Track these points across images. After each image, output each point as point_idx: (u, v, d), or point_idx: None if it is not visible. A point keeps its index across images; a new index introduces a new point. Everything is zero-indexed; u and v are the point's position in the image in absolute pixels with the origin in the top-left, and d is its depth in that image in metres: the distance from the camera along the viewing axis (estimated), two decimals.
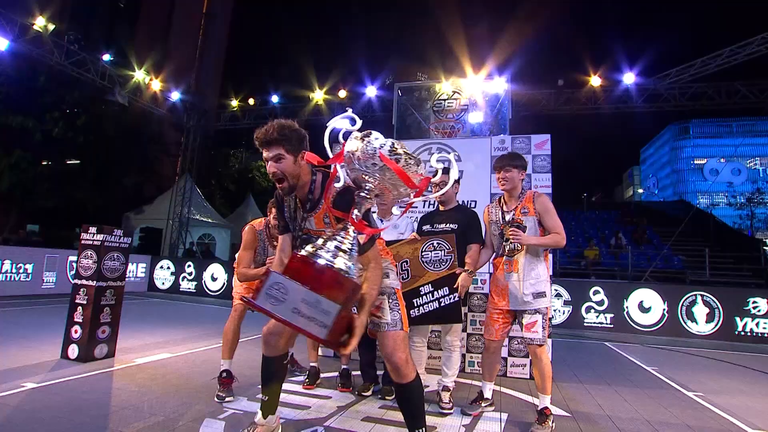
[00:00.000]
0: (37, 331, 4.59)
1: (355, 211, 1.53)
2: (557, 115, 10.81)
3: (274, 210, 3.10)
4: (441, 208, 3.18)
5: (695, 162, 49.51)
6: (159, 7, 27.59)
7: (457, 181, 3.19)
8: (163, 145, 21.22)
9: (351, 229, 1.50)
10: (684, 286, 8.48)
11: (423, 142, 4.32)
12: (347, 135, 1.55)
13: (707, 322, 6.67)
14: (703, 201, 42.10)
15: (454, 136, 5.01)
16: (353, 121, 1.58)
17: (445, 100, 5.32)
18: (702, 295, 6.78)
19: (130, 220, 16.12)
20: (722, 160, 47.05)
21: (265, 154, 1.67)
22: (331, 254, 1.41)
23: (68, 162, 18.96)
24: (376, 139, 1.47)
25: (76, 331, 3.43)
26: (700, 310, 6.72)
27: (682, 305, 6.81)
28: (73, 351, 3.40)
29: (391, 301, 1.82)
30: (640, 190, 58.54)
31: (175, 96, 12.66)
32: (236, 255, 3.12)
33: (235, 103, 13.46)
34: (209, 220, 16.39)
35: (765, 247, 15.46)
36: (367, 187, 1.50)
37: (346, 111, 1.64)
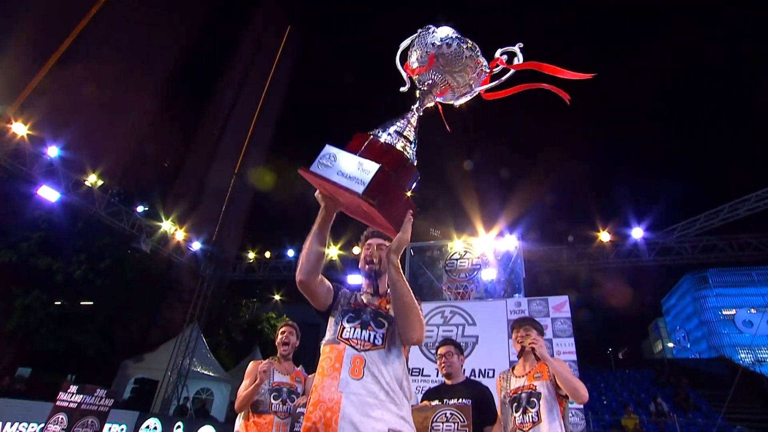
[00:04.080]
0: None
1: (417, 105, 1.63)
2: (570, 271, 10.78)
3: (285, 329, 3.23)
4: (447, 382, 2.87)
5: (723, 313, 47.06)
6: (197, 167, 31.34)
7: (461, 352, 2.94)
8: (177, 291, 21.46)
9: (413, 117, 1.60)
10: None
11: (436, 304, 4.18)
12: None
13: None
14: (745, 357, 38.51)
15: (468, 297, 4.87)
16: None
17: (457, 259, 5.36)
18: None
19: (127, 369, 15.27)
20: (753, 311, 44.71)
21: (370, 240, 1.91)
22: (389, 134, 1.52)
23: (81, 303, 19.04)
24: (433, 33, 1.61)
25: None
26: None
27: None
28: None
29: None
30: (670, 345, 54.54)
31: (196, 246, 13.27)
32: (235, 409, 3.01)
33: (251, 255, 13.99)
34: (210, 373, 15.42)
35: None
36: (427, 81, 1.61)
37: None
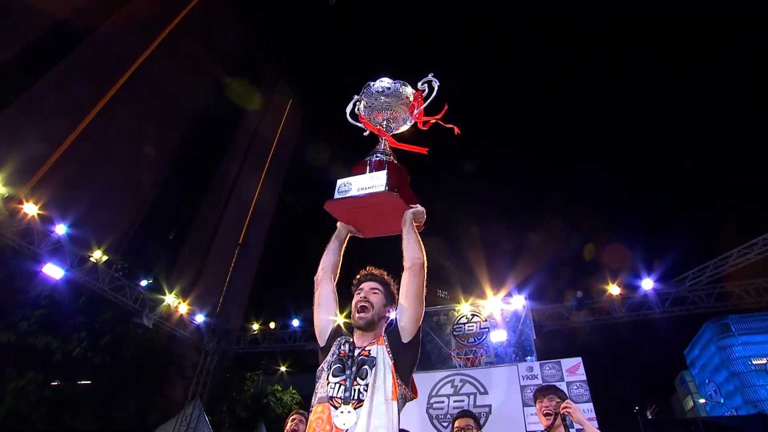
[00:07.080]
0: None
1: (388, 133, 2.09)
2: (582, 328, 10.43)
3: (295, 416, 3.14)
4: None
5: (754, 363, 44.44)
6: (201, 238, 31.56)
7: (479, 427, 2.78)
8: (179, 367, 20.70)
9: (384, 144, 2.01)
10: None
11: (445, 373, 4.00)
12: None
13: None
14: None
15: (478, 362, 4.66)
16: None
17: (464, 323, 5.20)
18: None
19: None
20: None
21: (363, 284, 1.93)
22: (377, 156, 1.92)
23: (78, 383, 18.22)
24: (375, 84, 2.07)
25: None
26: None
27: None
28: None
29: None
30: (702, 400, 51.02)
31: (200, 318, 13.05)
32: None
33: (256, 326, 13.71)
34: None
35: None
36: (384, 119, 2.05)
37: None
